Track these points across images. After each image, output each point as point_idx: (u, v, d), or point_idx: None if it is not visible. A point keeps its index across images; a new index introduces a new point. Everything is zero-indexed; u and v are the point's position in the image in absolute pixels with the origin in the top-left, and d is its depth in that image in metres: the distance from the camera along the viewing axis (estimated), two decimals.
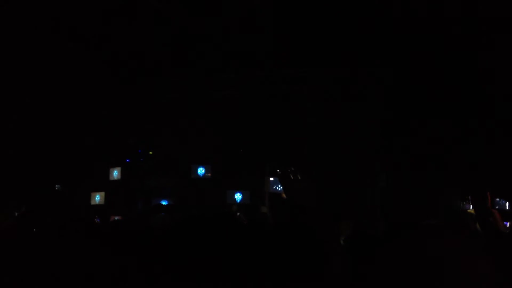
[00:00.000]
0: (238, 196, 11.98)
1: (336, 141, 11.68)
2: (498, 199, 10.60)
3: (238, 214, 5.95)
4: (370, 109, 11.48)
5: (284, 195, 2.25)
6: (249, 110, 12.25)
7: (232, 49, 10.60)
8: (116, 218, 7.87)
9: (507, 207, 11.38)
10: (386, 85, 10.91)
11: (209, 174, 12.62)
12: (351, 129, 11.60)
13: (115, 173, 13.12)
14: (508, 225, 6.33)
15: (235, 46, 10.41)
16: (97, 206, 12.46)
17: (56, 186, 11.29)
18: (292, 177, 2.16)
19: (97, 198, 12.71)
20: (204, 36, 10.28)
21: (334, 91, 11.76)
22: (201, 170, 12.60)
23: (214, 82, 12.97)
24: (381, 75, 11.24)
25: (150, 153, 13.32)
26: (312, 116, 11.95)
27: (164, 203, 11.99)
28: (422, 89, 9.98)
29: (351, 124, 11.49)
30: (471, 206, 3.25)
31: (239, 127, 12.23)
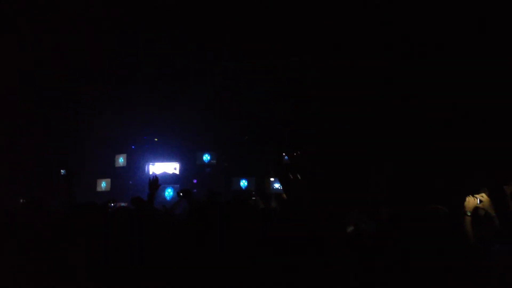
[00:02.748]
0: (243, 183, 12.00)
1: (340, 129, 11.63)
2: None
3: (253, 198, 5.98)
4: (375, 95, 11.39)
5: (284, 196, 2.23)
6: (254, 97, 12.21)
7: (238, 36, 10.54)
8: (122, 204, 7.90)
9: None
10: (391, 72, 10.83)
11: (214, 161, 12.64)
12: (356, 116, 11.55)
13: (121, 160, 13.16)
14: None
15: (243, 34, 10.36)
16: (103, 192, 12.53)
17: (62, 171, 11.26)
18: (291, 176, 2.14)
19: (103, 184, 12.77)
20: (208, 26, 10.24)
21: (338, 77, 11.68)
22: (206, 157, 12.61)
23: (219, 70, 12.93)
24: (386, 62, 11.15)
25: (156, 139, 13.33)
26: (316, 103, 11.91)
27: (169, 189, 12.03)
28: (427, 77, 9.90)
29: (356, 111, 11.43)
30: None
31: (245, 114, 12.21)
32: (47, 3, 9.24)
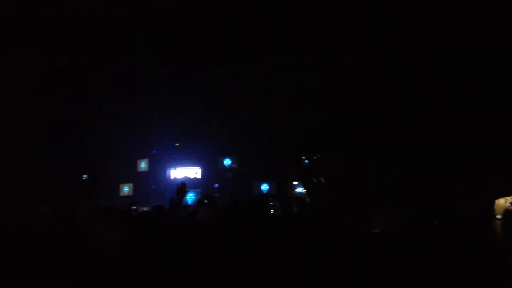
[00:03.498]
0: (264, 187, 11.97)
1: (360, 132, 11.52)
2: None
3: (271, 203, 5.96)
4: (393, 96, 11.26)
5: (308, 199, 2.19)
6: (275, 102, 12.18)
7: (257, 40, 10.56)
8: (145, 209, 7.93)
9: None
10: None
11: (235, 165, 12.64)
12: (377, 118, 11.42)
13: (143, 165, 13.26)
14: None
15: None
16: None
17: (84, 176, 11.46)
18: (315, 180, 2.10)
19: (126, 189, 12.88)
20: (229, 31, 10.28)
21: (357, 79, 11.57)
22: (227, 161, 12.62)
23: (238, 75, 12.95)
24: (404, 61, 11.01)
25: (177, 144, 13.40)
26: (335, 106, 11.82)
27: (191, 193, 12.07)
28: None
29: (376, 113, 11.30)
30: None
31: (265, 119, 12.18)
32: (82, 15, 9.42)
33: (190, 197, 11.95)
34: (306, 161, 12.46)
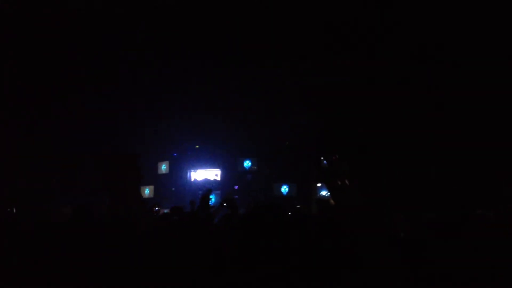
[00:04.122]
0: (284, 189, 11.94)
1: (387, 132, 11.40)
2: None
3: (298, 206, 5.96)
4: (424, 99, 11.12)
5: (332, 201, 2.16)
6: (294, 103, 12.14)
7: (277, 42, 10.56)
8: (165, 211, 7.99)
9: None
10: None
11: (255, 167, 12.64)
12: (399, 118, 11.29)
13: (163, 167, 13.37)
14: None
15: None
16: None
17: None
18: (339, 182, 2.07)
19: (147, 191, 13.00)
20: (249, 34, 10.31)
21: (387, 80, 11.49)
22: (247, 163, 12.64)
23: (260, 76, 12.95)
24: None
25: (197, 146, 13.47)
26: (361, 106, 11.72)
27: (211, 195, 12.11)
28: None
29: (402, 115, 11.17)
30: None
31: (285, 120, 12.16)
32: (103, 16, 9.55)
33: (210, 199, 12.00)
34: (325, 161, 12.41)
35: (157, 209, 5.36)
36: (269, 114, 12.36)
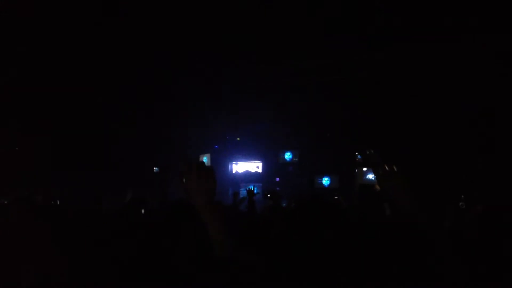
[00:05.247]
0: (326, 181, 11.87)
1: (429, 125, 11.15)
2: None
3: (336, 197, 5.93)
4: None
5: (377, 187, 2.08)
6: (335, 95, 12.03)
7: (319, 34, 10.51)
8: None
9: None
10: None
11: (296, 159, 12.61)
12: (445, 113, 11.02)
13: (205, 159, 13.54)
14: None
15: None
16: None
17: (155, 168, 11.85)
18: (387, 168, 1.99)
19: None
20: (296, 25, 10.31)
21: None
22: (288, 155, 12.62)
23: (301, 69, 12.90)
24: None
25: (238, 139, 13.55)
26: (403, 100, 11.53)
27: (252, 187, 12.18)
28: None
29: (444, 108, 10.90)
30: None
31: (326, 112, 12.06)
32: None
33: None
34: (359, 156, 12.18)
35: None
36: (310, 107, 12.30)
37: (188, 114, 14.01)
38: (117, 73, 12.31)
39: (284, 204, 7.12)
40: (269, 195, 5.51)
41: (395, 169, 1.91)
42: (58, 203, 5.47)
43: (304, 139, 12.51)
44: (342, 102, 11.79)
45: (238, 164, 13.11)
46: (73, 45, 10.39)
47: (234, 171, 13.13)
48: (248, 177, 12.88)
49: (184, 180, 1.96)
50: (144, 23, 9.95)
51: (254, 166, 12.98)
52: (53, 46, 10.58)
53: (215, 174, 1.95)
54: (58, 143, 12.22)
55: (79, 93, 11.90)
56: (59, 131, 11.98)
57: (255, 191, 5.44)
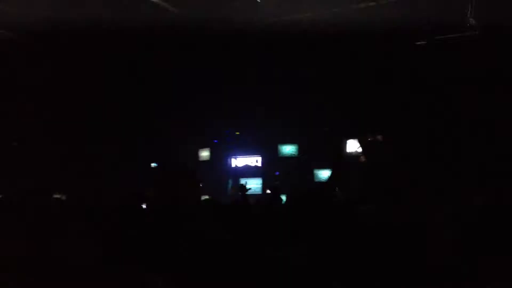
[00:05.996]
0: (325, 174, 11.84)
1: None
2: None
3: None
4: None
5: (363, 158, 2.01)
6: (332, 88, 11.99)
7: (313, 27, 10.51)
8: (206, 197, 8.06)
9: None
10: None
11: (296, 153, 12.59)
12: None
13: (205, 154, 13.51)
14: None
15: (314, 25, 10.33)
16: None
17: (152, 164, 11.83)
18: (370, 138, 1.95)
19: None
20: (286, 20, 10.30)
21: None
22: (288, 149, 12.60)
23: (297, 61, 12.85)
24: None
25: (237, 133, 13.53)
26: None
27: (257, 180, 12.15)
28: None
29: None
30: None
31: (324, 105, 12.03)
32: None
33: (257, 184, 12.03)
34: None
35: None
36: (308, 101, 12.29)
37: (186, 108, 13.97)
38: (114, 67, 12.26)
39: (284, 199, 7.12)
40: (268, 191, 5.59)
41: (379, 138, 1.88)
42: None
43: (303, 134, 12.48)
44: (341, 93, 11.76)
45: (238, 159, 13.10)
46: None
47: (233, 165, 13.11)
48: (248, 171, 12.87)
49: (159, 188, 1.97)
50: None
51: (254, 160, 12.96)
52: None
53: (196, 178, 1.95)
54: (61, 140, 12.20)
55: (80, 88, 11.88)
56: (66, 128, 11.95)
57: (246, 187, 5.49)
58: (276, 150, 12.78)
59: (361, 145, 2.13)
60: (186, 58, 12.11)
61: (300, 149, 12.56)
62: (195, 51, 11.66)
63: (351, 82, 11.77)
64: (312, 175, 12.26)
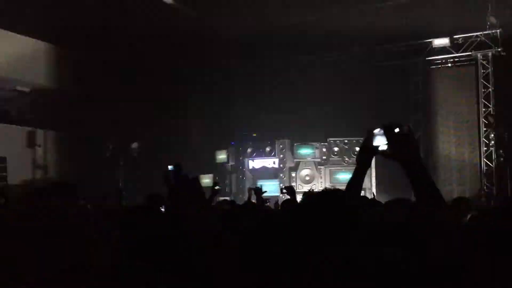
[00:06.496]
0: (344, 176, 11.72)
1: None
2: None
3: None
4: None
5: (388, 151, 1.87)
6: (352, 88, 11.91)
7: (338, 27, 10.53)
8: (225, 198, 8.05)
9: None
10: None
11: (313, 154, 12.49)
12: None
13: (222, 156, 13.50)
14: None
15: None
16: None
17: (169, 167, 11.77)
18: (397, 130, 1.83)
19: (206, 180, 13.16)
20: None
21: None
22: (305, 150, 12.51)
23: (317, 62, 12.84)
24: None
25: (254, 134, 13.50)
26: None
27: (274, 182, 12.08)
28: None
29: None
30: None
31: (342, 105, 11.95)
32: None
33: (274, 185, 11.95)
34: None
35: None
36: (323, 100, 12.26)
37: (203, 111, 14.01)
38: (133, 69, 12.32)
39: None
40: (284, 190, 5.55)
41: (405, 130, 1.77)
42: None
43: (321, 132, 12.40)
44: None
45: (255, 161, 13.06)
46: None
47: (250, 167, 13.07)
48: (265, 172, 12.81)
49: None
50: None
51: (271, 162, 12.90)
52: None
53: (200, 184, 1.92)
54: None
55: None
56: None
57: (262, 190, 5.49)
58: (293, 151, 12.70)
59: (386, 137, 2.03)
60: (202, 60, 12.13)
61: (317, 150, 12.45)
62: (213, 54, 11.69)
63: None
64: (330, 176, 12.19)
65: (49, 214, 1.79)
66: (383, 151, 1.86)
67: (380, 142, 1.88)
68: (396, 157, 1.81)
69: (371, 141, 1.89)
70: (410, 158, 1.76)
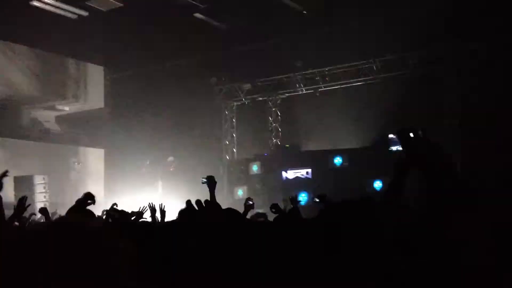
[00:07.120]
0: (378, 185, 11.59)
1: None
2: None
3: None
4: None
5: (404, 156, 1.83)
6: (384, 97, 11.82)
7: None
8: (259, 211, 8.12)
9: None
10: None
11: (347, 163, 12.40)
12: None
13: (255, 167, 13.57)
14: None
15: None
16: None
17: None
18: (411, 134, 1.80)
19: (240, 192, 13.25)
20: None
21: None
22: (338, 160, 12.45)
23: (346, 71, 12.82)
24: None
25: (287, 146, 13.54)
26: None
27: (303, 194, 12.09)
28: None
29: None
30: None
31: (374, 114, 11.85)
32: None
33: (303, 197, 11.96)
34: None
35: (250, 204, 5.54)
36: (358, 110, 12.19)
37: (235, 120, 14.17)
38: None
39: None
40: (317, 199, 5.51)
41: (420, 134, 1.72)
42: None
43: (354, 143, 12.33)
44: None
45: (288, 172, 13.08)
46: None
47: (284, 178, 13.10)
48: (299, 183, 12.81)
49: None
50: None
51: (304, 172, 12.90)
52: None
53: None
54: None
55: None
56: None
57: (298, 199, 5.50)
58: (327, 161, 12.66)
59: (400, 140, 1.98)
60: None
61: (350, 159, 12.36)
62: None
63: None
64: (364, 186, 12.04)
65: (65, 230, 1.82)
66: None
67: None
68: (412, 164, 1.77)
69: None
70: (426, 164, 1.68)
